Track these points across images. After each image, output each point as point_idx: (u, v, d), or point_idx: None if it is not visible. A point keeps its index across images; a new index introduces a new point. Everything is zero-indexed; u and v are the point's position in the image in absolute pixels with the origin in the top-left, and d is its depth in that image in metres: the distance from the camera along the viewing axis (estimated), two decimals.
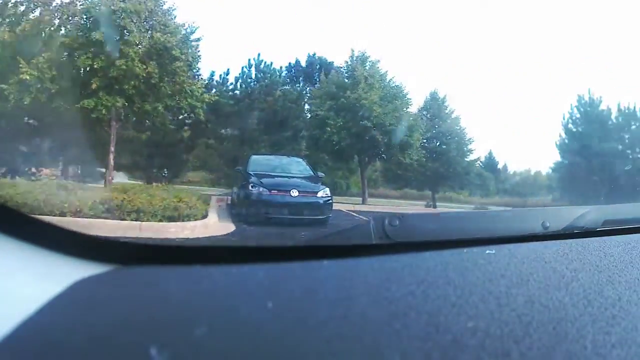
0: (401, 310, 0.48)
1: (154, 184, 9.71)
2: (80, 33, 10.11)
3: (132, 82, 9.97)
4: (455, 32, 31.34)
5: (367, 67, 15.36)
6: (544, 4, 29.70)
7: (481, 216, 1.26)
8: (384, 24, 29.97)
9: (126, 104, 10.22)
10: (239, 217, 6.67)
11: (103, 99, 9.77)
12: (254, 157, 8.99)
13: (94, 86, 9.64)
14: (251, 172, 7.61)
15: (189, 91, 10.87)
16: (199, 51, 11.54)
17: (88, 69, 9.89)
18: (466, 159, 17.61)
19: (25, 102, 9.51)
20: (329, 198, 7.29)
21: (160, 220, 4.88)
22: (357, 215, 10.00)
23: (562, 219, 0.87)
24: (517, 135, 32.41)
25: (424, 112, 17.69)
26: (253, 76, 18.17)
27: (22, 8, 11.47)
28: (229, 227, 5.67)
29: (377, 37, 30.79)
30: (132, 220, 4.71)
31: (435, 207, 17.01)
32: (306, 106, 17.93)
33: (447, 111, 17.95)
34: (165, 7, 10.98)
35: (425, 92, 23.12)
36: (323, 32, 34.43)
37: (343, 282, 0.55)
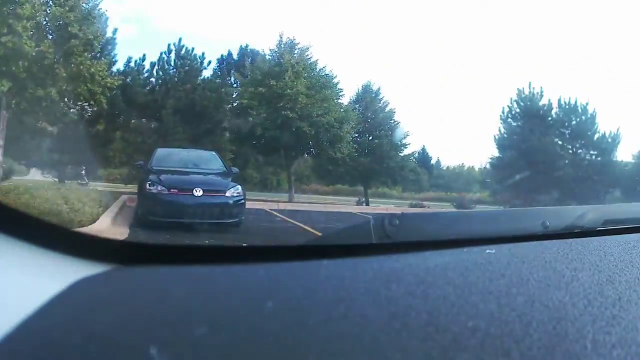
0: (401, 310, 0.48)
1: (66, 181, 8.59)
2: None
3: (21, 63, 8.40)
4: (390, 22, 30.63)
5: (295, 55, 14.38)
6: None
7: (481, 216, 1.27)
8: (319, 11, 29.09)
9: (15, 89, 8.59)
10: (139, 221, 5.80)
11: None
12: (159, 150, 7.82)
13: None
14: (153, 168, 6.59)
15: (87, 75, 9.32)
16: (101, 29, 9.73)
17: None
18: (400, 154, 16.85)
19: None
20: (241, 197, 6.25)
21: None
22: (278, 215, 9.26)
23: (562, 218, 0.88)
24: (450, 129, 31.80)
25: (356, 105, 16.76)
26: (172, 63, 16.20)
27: None
28: (122, 235, 4.82)
29: (310, 25, 29.23)
30: None
31: (368, 204, 16.16)
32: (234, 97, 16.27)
33: (380, 104, 17.04)
34: None
35: (359, 83, 21.64)
36: (255, 21, 31.58)
37: (343, 282, 0.55)
